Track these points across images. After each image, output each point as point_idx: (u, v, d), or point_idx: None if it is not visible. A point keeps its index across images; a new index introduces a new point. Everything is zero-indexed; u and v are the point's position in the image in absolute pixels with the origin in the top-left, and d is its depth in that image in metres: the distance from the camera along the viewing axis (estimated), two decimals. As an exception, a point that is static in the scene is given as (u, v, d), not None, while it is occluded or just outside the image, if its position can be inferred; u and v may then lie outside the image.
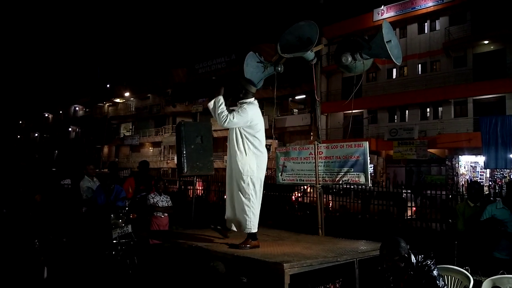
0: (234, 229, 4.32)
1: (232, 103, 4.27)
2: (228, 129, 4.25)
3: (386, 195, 9.92)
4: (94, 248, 5.82)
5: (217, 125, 4.38)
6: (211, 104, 4.10)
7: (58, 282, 5.20)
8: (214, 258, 3.76)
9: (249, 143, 4.11)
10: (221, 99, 4.07)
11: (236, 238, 4.40)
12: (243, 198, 4.06)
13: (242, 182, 4.05)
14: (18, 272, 5.44)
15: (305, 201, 12.20)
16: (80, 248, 5.93)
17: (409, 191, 10.39)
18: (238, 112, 4.01)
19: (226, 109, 4.05)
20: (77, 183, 7.18)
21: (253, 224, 4.06)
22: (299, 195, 13.25)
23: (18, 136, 62.11)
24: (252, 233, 4.07)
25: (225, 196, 4.59)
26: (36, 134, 58.21)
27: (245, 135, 4.10)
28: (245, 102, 4.14)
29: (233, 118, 3.98)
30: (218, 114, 4.00)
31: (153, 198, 6.55)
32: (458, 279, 3.65)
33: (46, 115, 56.40)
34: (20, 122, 62.36)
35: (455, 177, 19.41)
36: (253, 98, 4.23)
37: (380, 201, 9.61)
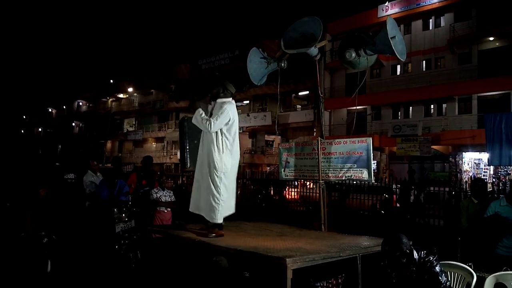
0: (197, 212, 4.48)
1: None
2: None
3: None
4: (97, 242, 5.85)
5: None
6: (194, 119, 4.33)
7: (62, 276, 5.24)
8: (217, 253, 3.78)
9: (226, 141, 4.30)
10: (199, 110, 4.30)
11: (230, 233, 4.41)
12: (215, 192, 4.25)
13: (216, 177, 4.26)
14: (22, 265, 5.48)
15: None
16: (84, 242, 5.96)
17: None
18: (219, 114, 4.21)
19: (205, 112, 4.32)
20: (81, 177, 7.22)
21: (220, 215, 4.28)
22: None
23: (22, 131, 62.37)
24: (218, 223, 4.30)
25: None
26: (40, 129, 58.42)
27: (224, 133, 4.29)
28: (224, 102, 4.33)
29: (216, 120, 4.19)
30: (202, 122, 4.24)
31: (156, 193, 6.57)
32: (461, 275, 3.64)
33: (50, 110, 56.57)
34: (24, 117, 62.61)
35: (459, 174, 19.34)
36: (231, 98, 4.42)
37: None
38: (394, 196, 10.15)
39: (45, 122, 56.94)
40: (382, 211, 9.60)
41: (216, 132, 4.27)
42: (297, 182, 12.37)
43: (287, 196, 13.25)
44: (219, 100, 4.36)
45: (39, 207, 6.00)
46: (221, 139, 4.28)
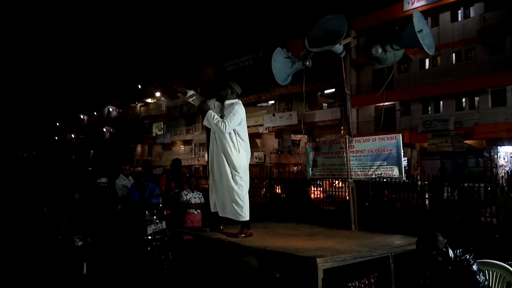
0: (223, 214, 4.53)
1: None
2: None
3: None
4: (130, 244, 5.98)
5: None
6: (206, 122, 4.33)
7: (97, 278, 5.39)
8: (247, 253, 3.79)
9: (240, 140, 4.37)
10: (211, 112, 4.30)
11: (259, 233, 4.41)
12: (238, 190, 4.33)
13: (237, 177, 4.34)
14: (59, 268, 5.68)
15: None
16: (117, 244, 6.11)
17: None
18: (231, 115, 4.25)
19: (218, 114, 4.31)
20: (113, 181, 7.42)
21: (247, 212, 4.36)
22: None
23: (56, 138, 64.65)
24: (245, 221, 4.36)
25: (209, 185, 4.78)
26: (73, 135, 60.38)
27: (237, 133, 4.35)
28: (233, 103, 4.38)
29: (230, 122, 4.22)
30: (216, 124, 4.24)
31: (186, 195, 6.65)
32: (501, 275, 3.50)
33: (82, 116, 58.38)
34: (57, 124, 64.89)
35: (494, 169, 18.66)
36: (237, 99, 4.46)
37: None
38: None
39: (77, 129, 58.81)
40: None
41: (230, 133, 4.31)
42: (321, 182, 12.28)
43: (311, 195, 13.08)
44: (227, 102, 4.41)
45: (74, 210, 6.20)
46: (236, 139, 4.34)
